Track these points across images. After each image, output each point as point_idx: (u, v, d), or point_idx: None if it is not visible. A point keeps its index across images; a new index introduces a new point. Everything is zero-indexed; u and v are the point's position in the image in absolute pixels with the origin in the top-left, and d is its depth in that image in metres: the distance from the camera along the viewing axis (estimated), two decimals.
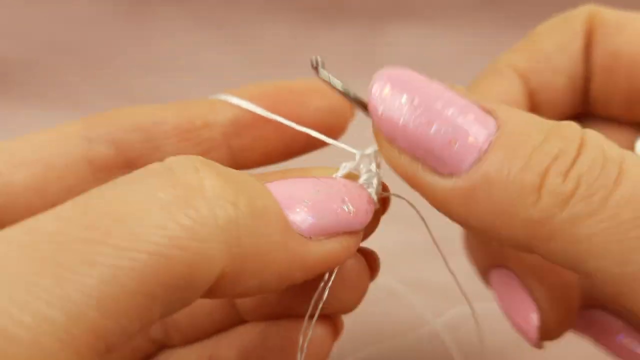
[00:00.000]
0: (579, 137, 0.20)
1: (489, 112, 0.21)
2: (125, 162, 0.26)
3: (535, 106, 0.27)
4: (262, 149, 0.27)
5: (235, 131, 0.27)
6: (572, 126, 0.20)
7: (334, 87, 0.23)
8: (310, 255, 0.21)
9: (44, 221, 0.17)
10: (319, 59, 0.23)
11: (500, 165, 0.20)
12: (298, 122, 0.26)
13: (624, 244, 0.18)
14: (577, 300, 0.27)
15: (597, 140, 0.20)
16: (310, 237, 0.21)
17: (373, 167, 0.24)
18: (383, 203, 0.24)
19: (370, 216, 0.23)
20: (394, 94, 0.21)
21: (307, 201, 0.21)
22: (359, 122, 0.26)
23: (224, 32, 0.60)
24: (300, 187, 0.22)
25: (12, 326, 0.15)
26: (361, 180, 0.24)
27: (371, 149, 0.24)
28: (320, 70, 0.23)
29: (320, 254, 0.21)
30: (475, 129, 0.20)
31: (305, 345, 0.24)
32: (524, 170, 0.19)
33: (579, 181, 0.19)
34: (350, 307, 0.25)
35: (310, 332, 0.24)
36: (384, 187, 0.24)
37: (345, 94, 0.24)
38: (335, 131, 0.27)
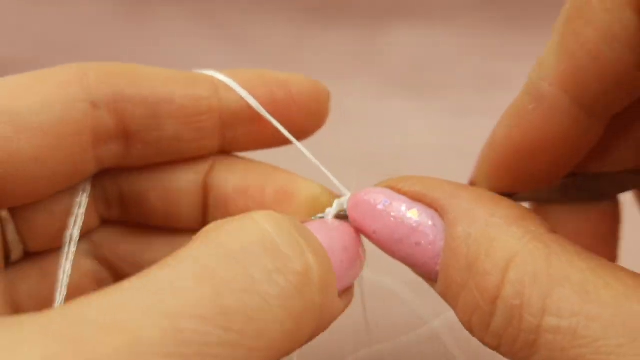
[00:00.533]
0: (495, 289, 0.20)
1: (438, 213, 0.22)
2: (125, 133, 0.25)
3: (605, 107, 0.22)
4: (249, 141, 0.28)
5: (233, 122, 0.27)
6: (495, 265, 0.20)
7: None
8: (340, 311, 0.23)
9: (184, 319, 0.17)
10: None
11: (444, 291, 0.22)
12: (289, 114, 0.27)
13: None
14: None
15: (512, 292, 0.19)
16: (340, 296, 0.23)
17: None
18: None
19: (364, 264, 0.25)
20: (363, 225, 0.24)
21: (341, 261, 0.22)
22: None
23: (224, 32, 0.60)
24: (336, 242, 0.23)
25: None
26: (333, 213, 0.25)
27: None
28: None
29: (342, 308, 0.23)
30: (423, 254, 0.22)
31: None
32: (460, 312, 0.21)
33: (499, 342, 0.20)
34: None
35: None
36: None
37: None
38: (318, 117, 0.28)
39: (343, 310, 0.23)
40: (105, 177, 0.27)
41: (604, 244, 0.27)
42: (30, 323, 0.16)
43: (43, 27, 0.59)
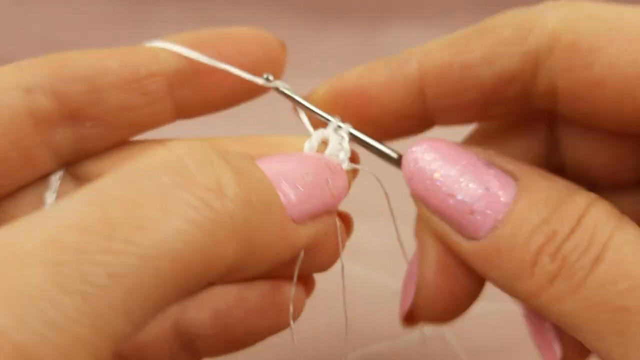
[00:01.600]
0: (577, 218, 0.21)
1: (511, 175, 0.23)
2: (68, 113, 0.25)
3: (429, 111, 0.26)
4: (205, 99, 0.27)
5: (180, 81, 0.26)
6: (578, 203, 0.22)
7: (287, 97, 0.26)
8: (301, 239, 0.22)
9: (65, 232, 0.17)
10: (270, 78, 0.26)
11: (507, 240, 0.22)
12: (237, 65, 0.27)
13: (599, 324, 0.20)
14: (466, 293, 0.26)
15: (594, 220, 0.21)
16: (299, 222, 0.22)
17: (345, 142, 0.25)
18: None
19: (346, 193, 0.24)
20: (422, 165, 0.24)
21: (299, 187, 0.22)
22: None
23: None
24: (290, 168, 0.22)
25: (44, 348, 0.15)
26: (330, 150, 0.25)
27: (344, 126, 0.25)
28: (272, 84, 0.26)
29: (307, 236, 0.22)
30: (492, 203, 0.22)
31: (291, 305, 0.25)
32: (523, 247, 0.22)
33: (563, 261, 0.21)
34: (324, 268, 0.26)
35: (293, 291, 0.25)
36: (354, 157, 0.26)
37: (297, 102, 0.26)
38: (272, 67, 0.27)
39: (308, 239, 0.22)
40: (85, 182, 0.27)
41: None
42: None
43: (43, 27, 0.59)
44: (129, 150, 0.27)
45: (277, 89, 0.26)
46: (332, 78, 0.26)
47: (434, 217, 0.24)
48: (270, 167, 0.22)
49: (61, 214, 0.17)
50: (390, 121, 0.26)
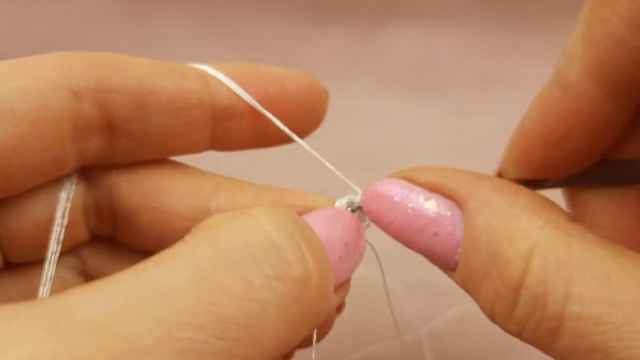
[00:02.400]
0: (519, 277, 0.20)
1: (457, 203, 0.22)
2: (108, 125, 0.24)
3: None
4: (242, 137, 0.27)
5: (225, 117, 0.26)
6: (518, 254, 0.20)
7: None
8: (331, 308, 0.22)
9: (179, 328, 0.16)
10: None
11: (465, 280, 0.22)
12: (281, 111, 0.26)
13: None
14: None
15: (536, 280, 0.20)
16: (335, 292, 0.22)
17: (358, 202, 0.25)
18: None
19: (364, 254, 0.24)
20: (379, 216, 0.24)
21: (340, 258, 0.22)
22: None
23: (224, 32, 0.60)
24: (336, 235, 0.22)
25: None
26: (341, 204, 0.25)
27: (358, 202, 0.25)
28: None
29: (335, 304, 0.22)
30: (442, 244, 0.22)
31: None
32: (482, 301, 0.21)
33: (522, 328, 0.20)
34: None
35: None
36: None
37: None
38: (314, 116, 0.27)
39: (337, 306, 0.22)
40: (98, 190, 0.26)
41: (638, 228, 0.26)
42: (22, 315, 0.16)
43: (43, 27, 0.59)
44: (151, 168, 0.26)
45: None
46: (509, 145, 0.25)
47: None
48: (318, 224, 0.22)
49: (171, 298, 0.17)
50: (586, 144, 0.23)
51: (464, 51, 0.62)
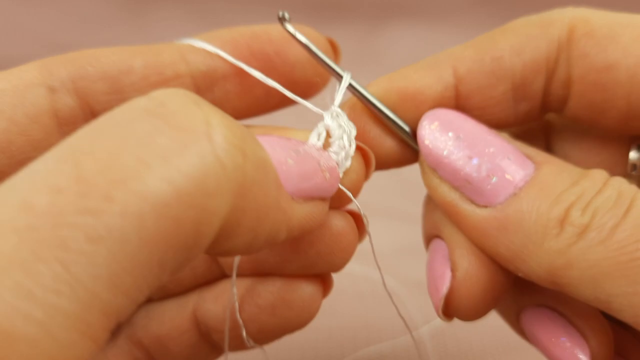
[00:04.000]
0: (603, 181, 0.22)
1: (528, 156, 0.23)
2: (90, 112, 0.24)
3: (463, 109, 0.25)
4: (233, 105, 0.26)
5: (207, 84, 0.25)
6: (600, 172, 0.22)
7: (299, 42, 0.24)
8: (295, 215, 0.21)
9: (36, 194, 0.15)
10: (285, 15, 0.24)
11: (532, 201, 0.22)
12: (274, 74, 0.25)
13: (626, 271, 0.20)
14: (502, 285, 0.24)
15: (618, 183, 0.22)
16: (293, 198, 0.21)
17: (345, 133, 0.24)
18: (366, 162, 0.24)
19: (337, 184, 0.23)
20: (441, 128, 0.24)
21: (291, 161, 0.21)
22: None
23: None
24: (283, 145, 0.21)
25: (22, 324, 0.13)
26: (334, 146, 0.24)
27: (342, 114, 0.24)
28: (286, 25, 0.24)
29: (302, 215, 0.21)
30: (513, 168, 0.23)
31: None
32: (552, 206, 0.22)
33: (594, 213, 0.21)
34: (338, 267, 0.25)
35: (302, 290, 0.24)
36: (363, 151, 0.24)
37: (309, 50, 0.24)
38: (315, 85, 0.26)
39: (302, 219, 0.21)
40: None
41: None
42: None
43: (43, 27, 0.59)
44: None
45: (293, 36, 0.24)
46: (385, 76, 0.25)
47: (443, 185, 0.24)
48: (262, 139, 0.20)
49: (32, 175, 0.15)
50: None
51: None
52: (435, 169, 0.24)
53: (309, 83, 0.25)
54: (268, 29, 0.26)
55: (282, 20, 0.24)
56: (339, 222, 0.24)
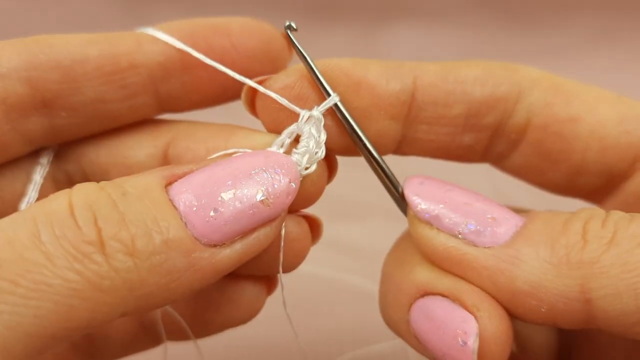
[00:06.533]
0: (599, 210, 0.22)
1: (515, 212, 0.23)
2: (41, 102, 0.24)
3: (413, 120, 0.25)
4: (192, 94, 0.26)
5: (163, 75, 0.25)
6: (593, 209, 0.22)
7: (299, 54, 0.24)
8: (223, 261, 0.21)
9: None
10: (292, 25, 0.24)
11: (542, 226, 0.22)
12: (230, 67, 0.25)
13: None
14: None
15: (617, 212, 0.22)
16: (223, 244, 0.21)
17: (315, 133, 0.24)
18: (329, 168, 0.24)
19: (293, 196, 0.22)
20: (430, 190, 0.24)
21: (220, 209, 0.21)
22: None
23: None
24: (215, 184, 0.21)
25: None
26: (301, 145, 0.23)
27: (316, 111, 0.24)
28: (291, 35, 0.24)
29: (234, 256, 0.21)
30: (509, 214, 0.23)
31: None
32: (567, 223, 0.21)
33: (616, 225, 0.21)
34: (289, 270, 0.25)
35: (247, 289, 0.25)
36: (329, 159, 0.24)
37: (306, 63, 0.24)
38: (269, 62, 0.26)
39: (236, 257, 0.21)
40: (66, 158, 0.26)
41: None
42: None
43: (43, 27, 0.59)
44: (118, 147, 0.26)
45: (295, 46, 0.24)
46: (350, 58, 0.25)
47: (441, 234, 0.23)
48: (190, 181, 0.21)
49: None
50: (375, 113, 0.24)
51: (464, 50, 0.62)
52: (431, 223, 0.23)
53: (266, 78, 0.25)
54: (229, 22, 0.26)
55: (288, 29, 0.24)
56: (294, 229, 0.24)
